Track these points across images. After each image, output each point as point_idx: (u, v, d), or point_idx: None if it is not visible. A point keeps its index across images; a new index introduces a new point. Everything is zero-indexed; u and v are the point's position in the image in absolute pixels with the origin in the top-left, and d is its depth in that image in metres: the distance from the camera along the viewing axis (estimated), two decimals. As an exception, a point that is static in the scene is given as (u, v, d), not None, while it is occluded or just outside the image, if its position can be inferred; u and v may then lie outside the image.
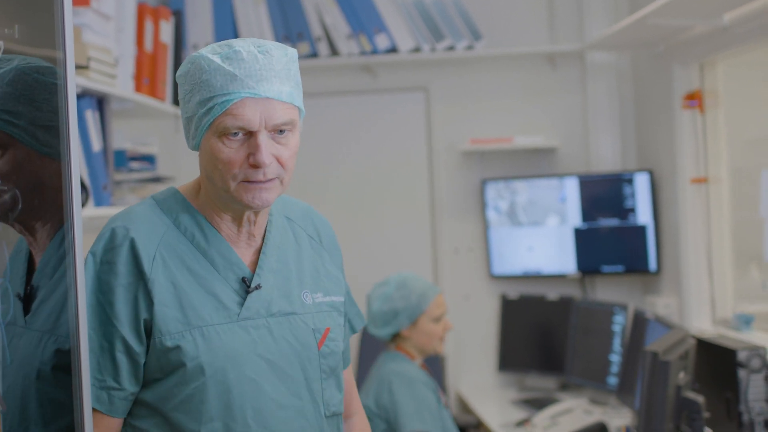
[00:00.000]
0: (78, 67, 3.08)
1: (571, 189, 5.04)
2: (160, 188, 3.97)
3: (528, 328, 5.17)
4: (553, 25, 5.25)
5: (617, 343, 4.57)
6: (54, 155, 1.76)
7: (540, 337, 5.13)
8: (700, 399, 2.83)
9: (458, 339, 5.16)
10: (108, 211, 3.42)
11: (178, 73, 1.96)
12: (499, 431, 4.30)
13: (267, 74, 1.88)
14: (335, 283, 2.16)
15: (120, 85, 3.57)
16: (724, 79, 4.37)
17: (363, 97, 5.34)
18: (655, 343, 2.88)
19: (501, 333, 5.24)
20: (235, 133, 1.87)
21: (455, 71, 5.28)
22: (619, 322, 4.59)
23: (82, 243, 1.71)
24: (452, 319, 4.61)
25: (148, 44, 3.86)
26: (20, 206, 1.72)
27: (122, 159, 3.74)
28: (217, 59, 1.88)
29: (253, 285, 1.98)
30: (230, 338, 1.92)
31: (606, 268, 5.02)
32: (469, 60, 5.22)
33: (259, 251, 2.04)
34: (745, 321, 4.05)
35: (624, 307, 4.60)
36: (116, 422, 1.93)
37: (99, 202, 3.37)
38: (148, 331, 1.90)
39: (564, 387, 5.04)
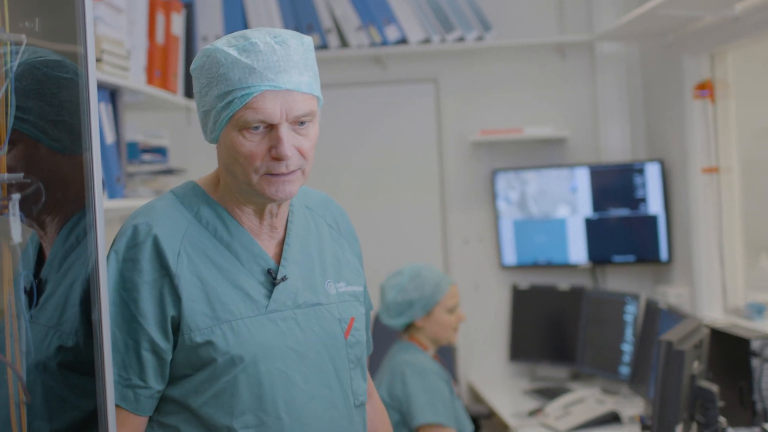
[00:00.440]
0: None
1: (582, 179, 5.04)
2: (172, 180, 3.98)
3: (539, 318, 5.17)
4: (563, 15, 5.24)
5: (629, 333, 4.57)
6: (63, 149, 1.75)
7: (551, 327, 5.14)
8: (714, 388, 2.83)
9: (469, 329, 5.16)
10: (121, 204, 3.44)
11: (193, 66, 1.94)
12: (512, 421, 4.31)
13: (285, 65, 1.86)
14: (355, 272, 2.14)
15: (132, 77, 3.58)
16: (735, 69, 4.37)
17: (373, 89, 5.34)
18: (670, 332, 2.88)
19: (512, 323, 5.25)
20: (256, 127, 1.85)
21: (465, 62, 5.28)
22: (631, 312, 4.59)
23: (105, 238, 1.71)
24: (463, 309, 4.60)
25: (160, 36, 3.86)
26: (44, 199, 1.72)
27: (134, 151, 3.75)
28: (233, 52, 1.85)
29: (279, 277, 1.96)
30: (259, 331, 1.91)
31: (617, 258, 5.02)
32: (479, 51, 5.22)
33: (281, 243, 2.02)
34: (758, 310, 4.05)
35: (636, 297, 4.61)
36: (142, 420, 1.91)
37: (113, 194, 3.38)
38: (175, 327, 1.88)
39: (575, 377, 5.05)
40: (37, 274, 1.75)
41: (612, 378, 4.63)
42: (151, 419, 1.94)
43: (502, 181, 5.19)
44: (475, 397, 5.20)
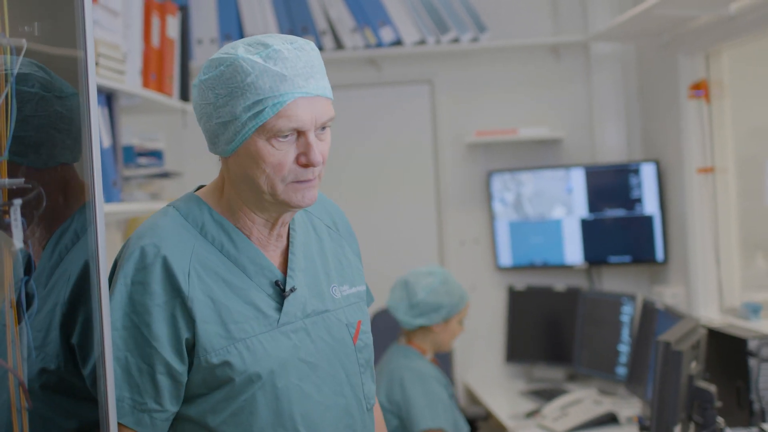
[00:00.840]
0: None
1: (578, 180, 5.05)
2: (168, 183, 3.98)
3: (535, 319, 5.17)
4: (558, 16, 5.25)
5: (626, 333, 4.58)
6: (33, 164, 1.72)
7: (547, 328, 5.14)
8: (712, 388, 2.84)
9: (466, 331, 5.14)
10: (118, 208, 3.43)
11: (206, 77, 1.87)
12: (509, 422, 4.31)
13: (311, 71, 1.84)
14: (357, 272, 2.14)
15: (128, 80, 3.57)
16: (730, 68, 4.37)
17: (368, 91, 5.34)
18: (667, 333, 2.89)
19: (508, 324, 5.25)
20: (285, 135, 1.82)
21: (460, 64, 5.28)
22: (627, 313, 4.59)
23: (105, 249, 1.69)
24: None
25: (155, 39, 3.86)
26: (44, 205, 1.71)
27: (130, 155, 3.74)
28: (259, 60, 1.81)
29: (287, 288, 1.94)
30: (274, 346, 1.89)
31: (613, 259, 5.03)
32: (474, 52, 5.22)
33: (285, 251, 1.99)
34: (754, 310, 4.05)
35: (632, 298, 4.61)
36: None
37: (109, 198, 3.36)
38: (189, 349, 1.85)
39: (572, 378, 5.05)
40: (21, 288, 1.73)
41: (609, 379, 4.63)
42: None
43: (498, 183, 5.19)
44: (472, 398, 5.20)
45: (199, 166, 3.95)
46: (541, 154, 5.27)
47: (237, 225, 1.94)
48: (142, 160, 3.85)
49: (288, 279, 1.95)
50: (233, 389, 1.86)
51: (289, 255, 1.98)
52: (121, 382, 1.81)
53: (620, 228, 4.98)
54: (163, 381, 1.83)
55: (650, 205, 4.88)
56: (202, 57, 5.00)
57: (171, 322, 1.83)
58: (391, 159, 5.34)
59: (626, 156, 5.16)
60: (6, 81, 1.64)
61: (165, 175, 3.95)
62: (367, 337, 2.07)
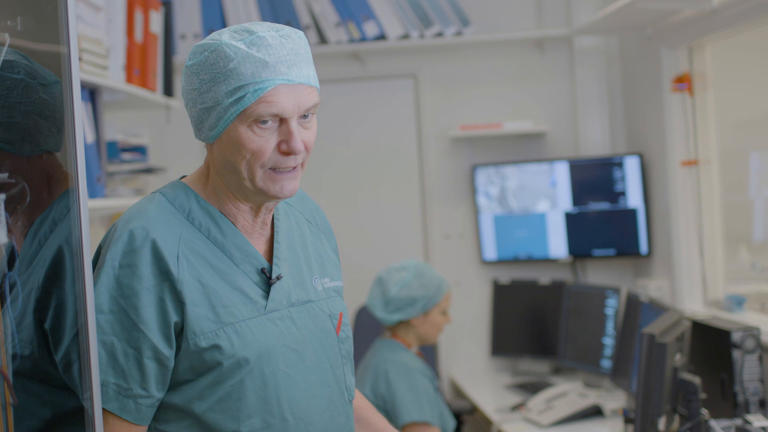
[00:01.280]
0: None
1: (562, 173, 5.05)
2: (152, 179, 3.97)
3: (520, 313, 5.18)
4: (541, 10, 5.25)
5: (610, 326, 4.59)
6: (18, 152, 1.72)
7: (532, 321, 5.15)
8: (696, 380, 2.85)
9: (451, 325, 5.15)
10: (102, 203, 3.43)
11: (191, 62, 1.88)
12: (494, 416, 4.31)
13: (295, 59, 1.84)
14: (335, 268, 2.14)
15: (111, 76, 3.56)
16: (713, 61, 4.39)
17: (352, 85, 5.34)
18: (652, 325, 2.90)
19: (493, 318, 5.26)
20: (265, 121, 1.82)
21: (444, 58, 5.28)
22: (612, 305, 4.61)
23: (89, 242, 1.69)
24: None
25: (138, 34, 3.85)
26: (28, 199, 1.70)
27: (114, 150, 3.73)
28: (242, 46, 1.82)
29: (273, 276, 1.95)
30: (261, 332, 1.89)
31: (597, 252, 5.04)
32: (458, 46, 5.23)
33: (270, 240, 2.00)
34: (737, 302, 4.07)
35: (616, 291, 4.62)
36: (142, 430, 1.87)
37: (93, 194, 3.36)
38: (177, 333, 1.84)
39: (557, 371, 5.06)
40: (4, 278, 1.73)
41: (594, 371, 4.64)
42: (149, 427, 1.90)
43: (482, 176, 5.20)
44: (458, 392, 5.21)
45: (183, 161, 3.95)
46: (525, 148, 5.28)
47: (223, 212, 1.95)
48: (126, 156, 3.85)
49: (274, 267, 1.96)
50: (221, 374, 1.85)
51: (274, 243, 1.99)
52: (106, 367, 1.79)
53: (604, 221, 5.00)
54: (150, 366, 1.82)
55: (634, 198, 4.89)
56: (185, 52, 4.99)
57: (159, 306, 1.82)
58: (376, 153, 5.34)
59: (610, 149, 5.17)
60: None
61: (149, 171, 3.94)
62: (348, 330, 2.08)
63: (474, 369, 5.31)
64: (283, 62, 1.82)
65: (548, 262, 5.18)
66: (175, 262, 1.84)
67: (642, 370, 2.77)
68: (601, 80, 5.17)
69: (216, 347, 1.85)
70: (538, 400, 4.32)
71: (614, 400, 4.27)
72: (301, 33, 1.90)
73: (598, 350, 4.61)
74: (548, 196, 5.10)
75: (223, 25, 5.05)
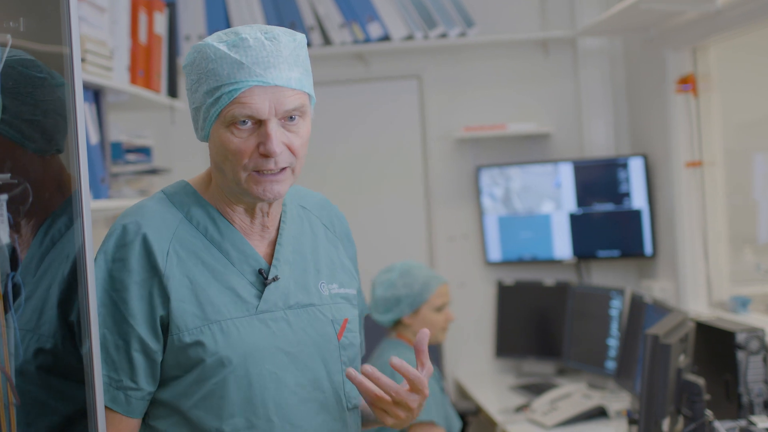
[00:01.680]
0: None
1: (566, 174, 5.05)
2: (156, 180, 3.98)
3: (525, 314, 5.18)
4: (545, 11, 5.25)
5: (614, 327, 4.58)
6: (37, 150, 1.74)
7: (537, 322, 5.15)
8: (700, 381, 2.85)
9: (455, 326, 5.15)
10: (106, 204, 3.43)
11: (184, 63, 1.92)
12: (499, 417, 4.31)
13: (275, 61, 1.83)
14: (348, 275, 2.12)
15: (116, 77, 3.56)
16: (717, 62, 4.38)
17: (356, 86, 5.34)
18: (656, 326, 2.89)
19: (498, 319, 5.26)
20: (244, 122, 1.82)
21: (448, 59, 5.28)
22: (616, 307, 4.60)
23: (92, 241, 1.70)
24: (449, 306, 4.61)
25: (143, 36, 3.85)
26: (31, 200, 1.70)
27: (118, 151, 3.74)
28: (223, 47, 1.83)
29: (270, 277, 1.94)
30: (249, 332, 1.89)
31: (601, 253, 5.04)
32: (462, 47, 5.23)
33: (274, 242, 2.00)
34: (742, 303, 4.07)
35: (621, 292, 4.62)
36: (134, 423, 1.89)
37: (97, 195, 3.37)
38: (164, 328, 1.86)
39: (562, 372, 5.06)
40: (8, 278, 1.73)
41: (598, 373, 4.64)
42: (142, 423, 1.93)
43: (487, 178, 5.19)
44: (462, 393, 5.21)
45: (187, 162, 3.96)
46: (529, 149, 5.28)
47: (222, 212, 1.96)
48: (131, 157, 3.85)
49: (272, 268, 1.96)
50: (204, 371, 1.86)
51: (276, 246, 1.99)
52: None
53: (609, 222, 4.99)
54: (138, 358, 1.85)
55: (638, 200, 4.89)
56: (189, 53, 4.99)
57: (148, 300, 1.86)
58: (380, 155, 5.34)
59: (614, 150, 5.17)
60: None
61: (153, 172, 3.95)
62: (353, 337, 2.05)
63: (478, 370, 5.31)
64: (260, 64, 1.82)
65: (553, 263, 5.18)
66: (164, 257, 1.87)
67: (646, 371, 2.76)
68: (605, 81, 5.17)
69: (199, 344, 1.86)
70: (542, 401, 4.32)
71: (618, 401, 4.27)
72: (299, 36, 1.91)
73: (603, 351, 4.61)
74: (552, 198, 5.10)
75: (228, 26, 5.06)
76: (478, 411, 4.77)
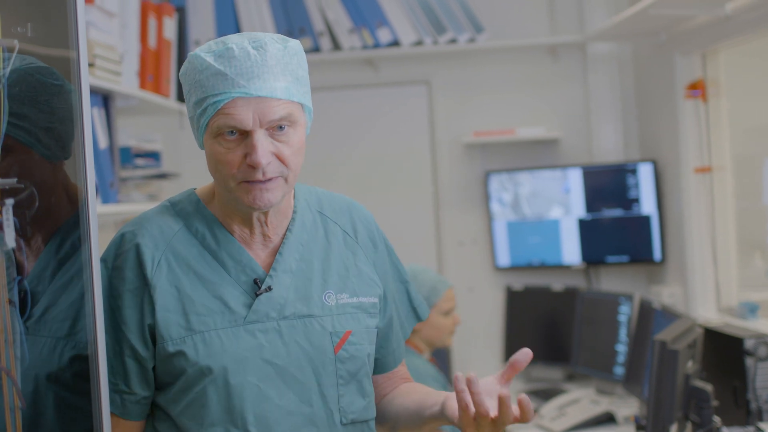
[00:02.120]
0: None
1: (575, 180, 5.05)
2: (165, 184, 3.99)
3: (533, 319, 5.17)
4: (554, 16, 5.25)
5: (623, 333, 4.58)
6: (52, 157, 1.75)
7: (545, 327, 5.14)
8: (708, 388, 2.84)
9: (464, 331, 5.16)
10: (115, 209, 3.44)
11: (180, 72, 1.91)
12: (507, 422, 4.30)
13: (259, 71, 1.81)
14: (366, 282, 2.06)
15: (125, 82, 3.57)
16: (727, 68, 4.37)
17: (366, 92, 5.34)
18: (664, 332, 2.89)
19: (506, 324, 5.25)
20: (232, 132, 1.82)
21: (457, 64, 5.28)
22: (625, 312, 4.60)
23: (98, 246, 1.71)
24: (457, 311, 4.61)
25: (152, 41, 3.86)
26: (37, 204, 1.71)
27: (127, 156, 3.74)
28: (209, 58, 1.82)
29: (263, 287, 1.93)
30: (233, 343, 1.88)
31: (611, 259, 5.03)
32: (471, 53, 5.22)
33: (277, 251, 1.98)
34: (751, 309, 4.05)
35: (629, 297, 4.61)
36: (132, 425, 1.93)
37: (106, 200, 3.37)
38: (153, 336, 1.88)
39: (570, 377, 5.05)
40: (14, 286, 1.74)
41: (607, 378, 4.63)
42: (149, 423, 1.96)
43: (495, 183, 5.19)
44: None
45: (196, 167, 3.96)
46: (538, 155, 5.28)
47: (223, 221, 1.96)
48: (140, 161, 3.86)
49: (267, 278, 1.94)
50: (187, 381, 1.88)
51: (277, 255, 1.96)
52: None
53: (618, 228, 4.99)
54: (131, 364, 1.88)
55: (648, 205, 4.88)
56: (199, 58, 4.99)
57: (139, 308, 1.88)
58: (389, 160, 5.34)
59: (623, 156, 5.16)
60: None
61: (162, 176, 3.96)
62: (355, 349, 1.99)
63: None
64: (243, 75, 1.81)
65: (561, 268, 5.17)
66: (153, 267, 1.89)
67: (654, 377, 2.76)
68: (614, 87, 5.16)
69: (181, 354, 1.87)
70: (550, 407, 4.32)
71: (627, 407, 4.26)
72: (291, 43, 1.89)
73: (611, 357, 4.60)
74: (561, 203, 5.10)
75: (237, 31, 5.06)
76: (486, 416, 4.75)
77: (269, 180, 1.84)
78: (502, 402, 1.80)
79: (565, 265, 5.13)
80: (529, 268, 5.22)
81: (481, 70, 5.29)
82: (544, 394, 4.70)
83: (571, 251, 5.10)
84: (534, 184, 5.14)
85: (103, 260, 1.91)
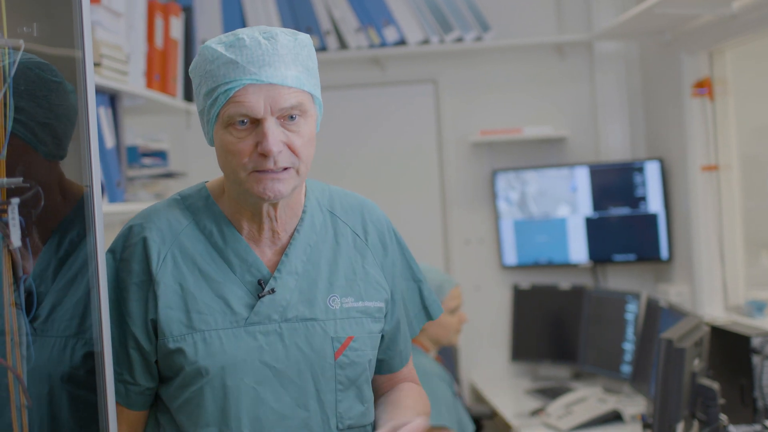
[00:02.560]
0: (90, 64, 3.08)
1: (582, 178, 5.05)
2: (172, 184, 4.00)
3: (540, 318, 5.17)
4: (561, 15, 5.25)
5: (630, 332, 4.58)
6: (49, 155, 1.75)
7: (552, 326, 5.14)
8: (715, 386, 2.84)
9: (471, 329, 5.16)
10: (122, 208, 3.44)
11: (190, 67, 1.91)
12: (514, 421, 4.31)
13: (270, 59, 1.81)
14: (373, 286, 2.02)
15: (131, 81, 3.58)
16: (733, 66, 4.37)
17: (372, 90, 5.35)
18: (670, 330, 2.89)
19: (513, 323, 5.25)
20: (242, 122, 1.81)
21: (464, 63, 5.28)
22: (632, 311, 4.59)
23: (104, 244, 1.71)
24: (464, 310, 4.62)
25: (159, 40, 3.87)
26: (42, 203, 1.72)
27: (134, 155, 3.75)
28: (220, 48, 1.82)
29: (266, 289, 1.91)
30: (232, 344, 1.87)
31: (617, 257, 5.03)
32: (478, 51, 5.23)
33: (284, 251, 1.96)
34: (758, 307, 4.05)
35: (636, 296, 4.61)
36: (137, 415, 1.93)
37: (113, 199, 3.38)
38: (155, 330, 1.88)
39: (577, 376, 5.05)
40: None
41: (614, 377, 4.63)
42: (153, 413, 1.97)
43: (502, 182, 5.19)
44: (477, 397, 5.20)
45: (203, 166, 3.97)
46: (545, 153, 5.28)
47: (231, 218, 1.94)
48: (147, 161, 3.86)
49: (271, 280, 1.92)
50: (185, 379, 1.88)
51: (283, 257, 1.94)
52: None
53: (625, 226, 4.98)
54: (134, 356, 1.89)
55: (654, 204, 4.88)
56: (206, 57, 5.00)
57: (144, 302, 1.88)
58: (396, 158, 5.34)
59: (630, 154, 5.16)
60: (4, 81, 1.65)
61: (169, 176, 3.96)
62: (356, 355, 1.96)
63: (494, 374, 5.31)
64: (254, 63, 1.80)
65: (568, 267, 5.18)
66: (158, 262, 1.88)
67: (660, 375, 2.76)
68: (621, 85, 5.16)
69: (180, 351, 1.87)
70: (557, 405, 4.32)
71: (634, 405, 4.26)
72: (301, 36, 1.89)
73: (618, 355, 4.60)
74: (568, 201, 5.10)
75: (244, 30, 5.06)
76: (493, 415, 4.76)
77: (282, 170, 1.83)
78: None
79: (572, 263, 5.13)
80: (535, 266, 5.22)
81: (488, 68, 5.29)
82: (551, 393, 4.70)
83: (578, 250, 5.10)
84: (541, 183, 5.14)
85: (111, 251, 1.91)
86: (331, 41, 5.09)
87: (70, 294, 1.77)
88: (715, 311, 4.37)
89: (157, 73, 3.86)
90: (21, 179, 1.66)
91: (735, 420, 3.07)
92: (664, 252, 4.87)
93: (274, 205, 1.91)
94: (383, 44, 5.10)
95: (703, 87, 4.39)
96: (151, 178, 3.87)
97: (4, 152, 1.65)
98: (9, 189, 1.65)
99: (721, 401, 2.85)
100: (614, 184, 4.99)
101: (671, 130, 4.73)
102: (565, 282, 5.18)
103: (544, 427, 4.15)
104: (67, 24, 1.68)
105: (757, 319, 4.00)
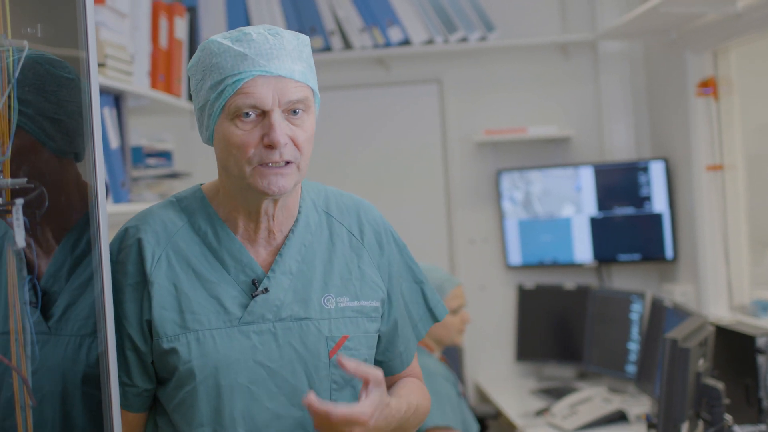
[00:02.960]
0: (95, 65, 3.09)
1: (586, 178, 5.04)
2: (177, 184, 4.00)
3: (545, 318, 5.17)
4: (565, 15, 5.25)
5: (635, 332, 4.57)
6: (59, 151, 1.75)
7: (557, 326, 5.14)
8: (720, 386, 2.83)
9: (475, 329, 5.16)
10: (126, 208, 3.44)
11: (190, 64, 1.91)
12: (519, 421, 4.31)
13: (278, 53, 1.83)
14: (369, 286, 2.02)
15: (136, 82, 3.58)
16: (738, 65, 4.37)
17: (377, 91, 5.35)
18: (675, 330, 2.88)
19: (518, 323, 5.25)
20: (248, 114, 1.81)
21: (468, 63, 5.28)
22: (637, 311, 4.59)
23: (108, 242, 1.71)
24: (469, 310, 4.61)
25: (163, 41, 3.87)
26: (47, 204, 1.72)
27: (139, 156, 3.76)
28: (227, 42, 1.83)
29: (260, 288, 1.91)
30: (226, 344, 1.88)
31: (622, 257, 5.02)
32: (482, 51, 5.22)
33: (278, 251, 1.96)
34: (763, 307, 4.05)
35: (641, 295, 4.61)
36: (135, 417, 1.94)
37: (117, 199, 3.39)
38: (150, 331, 1.88)
39: (582, 376, 5.05)
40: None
41: (618, 377, 4.63)
42: (150, 416, 1.97)
43: (507, 181, 5.19)
44: (482, 397, 5.20)
45: (207, 166, 3.97)
46: (549, 153, 5.27)
47: (226, 218, 1.94)
48: (151, 161, 3.87)
49: (265, 279, 1.92)
50: (179, 379, 1.88)
51: (277, 256, 1.95)
52: None
53: (629, 226, 4.98)
54: (131, 357, 1.89)
55: (659, 203, 4.88)
56: (210, 58, 5.01)
57: (139, 303, 1.88)
58: (400, 158, 5.34)
59: (635, 154, 5.15)
60: (8, 81, 1.65)
61: (173, 176, 3.96)
62: (351, 355, 1.96)
63: (499, 374, 5.30)
64: (263, 55, 1.82)
65: (573, 266, 5.17)
66: (152, 263, 1.89)
67: (665, 375, 2.75)
68: (625, 85, 5.16)
69: (174, 351, 1.87)
70: (562, 405, 4.31)
71: (639, 405, 4.26)
72: (302, 36, 1.91)
73: (623, 355, 4.60)
74: (573, 201, 5.09)
75: (248, 30, 5.07)
76: (498, 415, 4.76)
77: (285, 165, 1.84)
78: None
79: (577, 263, 5.12)
80: (540, 266, 5.22)
81: (492, 68, 5.29)
82: (556, 393, 4.69)
83: (582, 249, 5.10)
84: (545, 183, 5.14)
85: (109, 253, 1.90)
86: (336, 41, 5.09)
87: (86, 293, 1.78)
88: (719, 311, 4.37)
89: (161, 74, 3.86)
90: (25, 180, 1.66)
91: (740, 420, 3.07)
92: (668, 252, 4.86)
93: (274, 203, 1.92)
94: (387, 44, 5.10)
95: (708, 86, 4.39)
96: (155, 179, 3.87)
97: (8, 153, 1.65)
98: (13, 189, 1.65)
99: (726, 401, 2.85)
100: (619, 184, 4.99)
101: (676, 130, 4.72)
102: (569, 282, 5.17)
103: (549, 427, 4.15)
104: (71, 24, 1.68)
105: (762, 319, 4.00)
